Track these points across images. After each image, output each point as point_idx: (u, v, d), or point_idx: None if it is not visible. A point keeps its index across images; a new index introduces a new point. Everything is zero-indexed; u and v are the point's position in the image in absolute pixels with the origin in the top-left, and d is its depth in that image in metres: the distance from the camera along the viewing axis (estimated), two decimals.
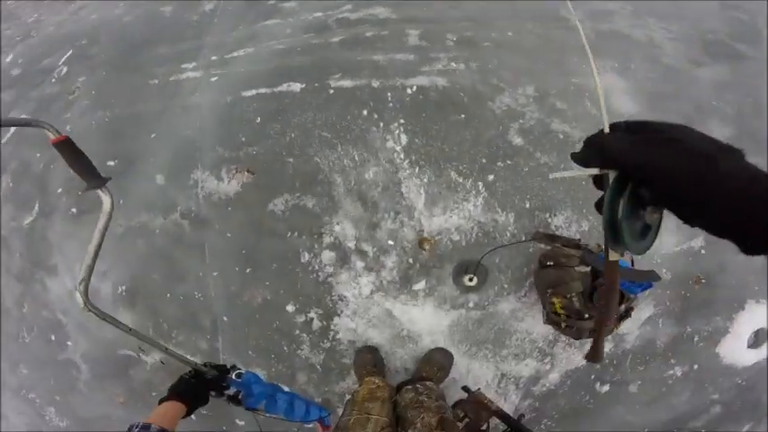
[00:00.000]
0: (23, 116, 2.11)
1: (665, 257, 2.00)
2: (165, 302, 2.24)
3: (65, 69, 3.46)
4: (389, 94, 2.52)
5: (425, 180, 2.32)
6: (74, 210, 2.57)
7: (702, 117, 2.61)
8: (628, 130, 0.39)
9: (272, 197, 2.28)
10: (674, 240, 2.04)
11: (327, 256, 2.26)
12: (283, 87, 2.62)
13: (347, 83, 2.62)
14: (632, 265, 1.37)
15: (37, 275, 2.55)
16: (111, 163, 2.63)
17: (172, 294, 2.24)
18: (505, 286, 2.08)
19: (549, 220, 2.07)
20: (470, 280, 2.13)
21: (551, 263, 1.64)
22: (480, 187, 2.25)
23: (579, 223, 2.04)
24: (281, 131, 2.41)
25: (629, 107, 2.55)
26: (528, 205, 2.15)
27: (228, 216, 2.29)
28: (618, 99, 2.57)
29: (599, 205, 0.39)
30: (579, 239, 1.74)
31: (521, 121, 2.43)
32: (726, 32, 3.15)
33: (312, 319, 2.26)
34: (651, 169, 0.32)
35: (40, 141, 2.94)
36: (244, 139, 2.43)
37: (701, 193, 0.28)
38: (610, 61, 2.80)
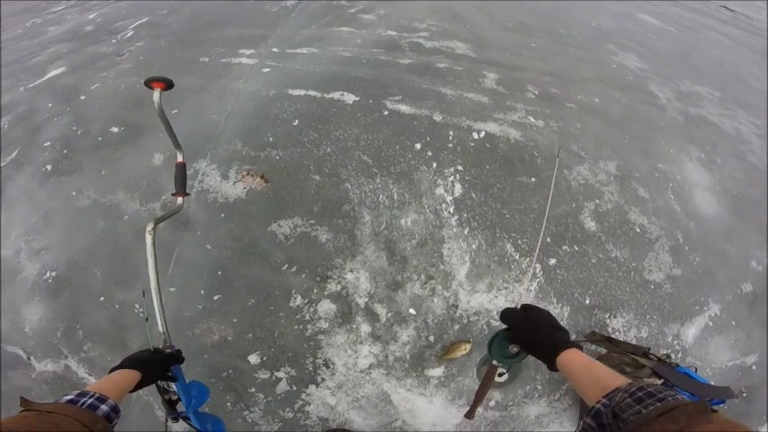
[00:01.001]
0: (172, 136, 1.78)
1: (717, 370, 1.79)
2: (95, 306, 1.77)
3: (130, 33, 3.44)
4: (451, 133, 2.11)
5: (474, 246, 1.83)
6: (48, 167, 2.24)
7: None
8: (522, 307, 0.82)
9: (279, 216, 1.84)
10: (729, 356, 1.83)
11: (326, 307, 1.74)
12: (335, 95, 2.29)
13: (405, 108, 2.25)
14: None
15: None
16: (115, 129, 2.34)
17: (107, 299, 1.77)
18: (539, 387, 1.66)
19: (608, 320, 1.74)
20: (500, 375, 1.65)
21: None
22: (538, 270, 1.80)
23: (639, 329, 1.77)
24: (317, 142, 2.03)
25: (710, 207, 2.19)
26: (588, 301, 1.75)
27: (218, 224, 1.86)
28: (700, 196, 2.22)
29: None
30: (648, 348, 1.47)
31: (597, 201, 2.04)
32: None
33: (280, 379, 1.69)
34: (512, 326, 0.81)
35: (61, 93, 2.76)
36: (271, 139, 2.07)
37: (529, 343, 0.76)
38: (696, 151, 2.49)
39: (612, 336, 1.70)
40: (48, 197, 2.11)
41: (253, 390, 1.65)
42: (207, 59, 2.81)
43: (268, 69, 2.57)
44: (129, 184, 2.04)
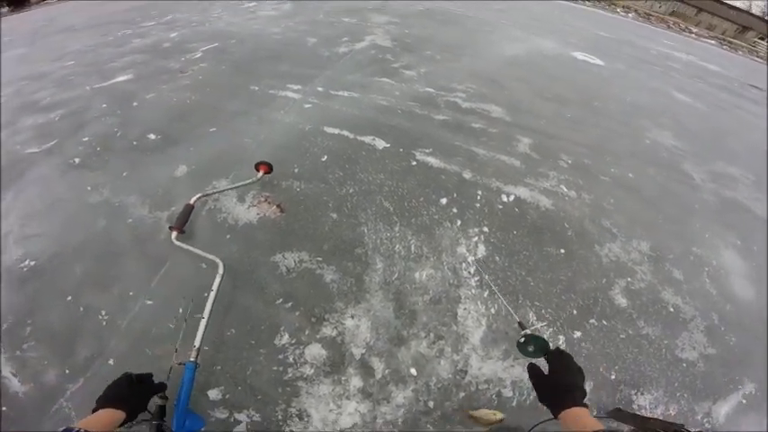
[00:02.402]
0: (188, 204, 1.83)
1: None
2: (59, 304, 1.64)
3: (198, 55, 3.79)
4: (480, 192, 2.04)
5: (493, 310, 1.66)
6: (77, 160, 2.31)
7: None
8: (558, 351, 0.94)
9: (285, 248, 1.76)
10: None
11: (316, 351, 1.55)
12: (367, 138, 2.32)
13: (435, 161, 2.23)
14: None
15: None
16: (152, 136, 2.43)
17: (75, 300, 1.64)
18: None
19: (634, 397, 1.58)
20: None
21: None
22: (561, 342, 1.65)
23: (667, 406, 1.64)
24: (341, 180, 2.01)
25: (748, 293, 2.07)
26: (614, 377, 1.61)
27: (220, 244, 1.79)
28: (737, 282, 2.11)
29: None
30: (682, 424, 1.29)
31: (629, 279, 1.92)
32: None
33: (239, 422, 1.45)
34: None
35: (119, 97, 2.97)
36: (297, 170, 2.07)
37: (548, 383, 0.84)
38: (732, 237, 2.35)
39: (638, 413, 1.54)
40: (62, 187, 2.13)
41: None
42: (256, 88, 3.00)
43: (309, 105, 2.69)
44: (144, 190, 2.05)
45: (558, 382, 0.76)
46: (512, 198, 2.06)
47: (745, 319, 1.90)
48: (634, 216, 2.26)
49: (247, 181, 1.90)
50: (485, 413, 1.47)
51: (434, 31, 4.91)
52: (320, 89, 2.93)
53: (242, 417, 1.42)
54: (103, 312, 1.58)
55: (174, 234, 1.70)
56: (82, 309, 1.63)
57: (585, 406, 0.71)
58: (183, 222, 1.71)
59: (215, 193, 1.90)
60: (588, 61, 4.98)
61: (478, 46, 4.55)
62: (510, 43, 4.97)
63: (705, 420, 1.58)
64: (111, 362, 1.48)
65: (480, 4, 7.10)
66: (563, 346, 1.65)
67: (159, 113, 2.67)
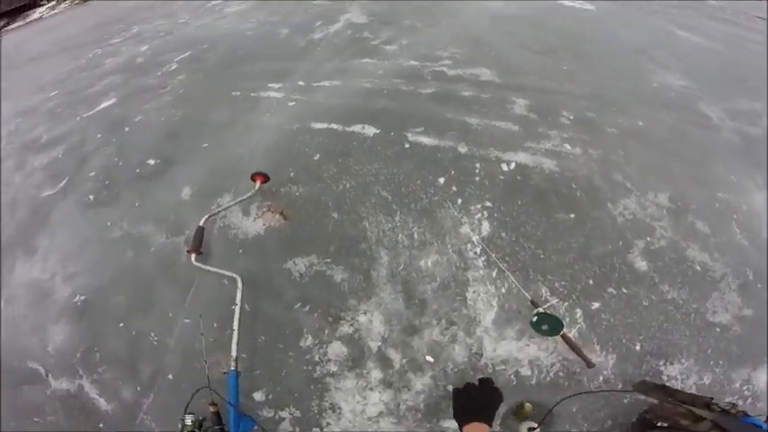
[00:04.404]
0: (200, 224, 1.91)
1: None
2: (114, 331, 1.83)
3: (174, 66, 3.72)
4: (478, 165, 1.99)
5: (503, 290, 1.66)
6: (91, 197, 2.41)
7: None
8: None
9: (295, 254, 1.80)
10: None
11: (337, 349, 1.63)
12: (356, 128, 2.27)
13: (428, 140, 2.17)
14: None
15: (15, 252, 2.34)
16: (151, 161, 2.48)
17: (126, 325, 1.81)
18: None
19: (662, 368, 1.53)
20: (531, 430, 1.43)
21: (664, 424, 1.29)
22: (578, 315, 1.60)
23: (700, 375, 1.56)
24: (336, 177, 1.99)
25: None
26: (639, 347, 1.56)
27: (235, 259, 1.86)
28: None
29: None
30: (711, 398, 1.28)
31: (648, 238, 1.80)
32: None
33: (283, 419, 1.58)
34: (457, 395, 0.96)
35: (110, 124, 3.01)
36: (293, 174, 2.07)
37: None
38: (762, 177, 2.14)
39: (667, 384, 1.48)
40: (86, 226, 2.27)
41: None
42: (238, 93, 2.95)
43: (293, 103, 2.63)
44: (158, 218, 2.13)
45: (469, 402, 0.89)
46: (512, 165, 2.00)
47: None
48: (648, 166, 2.10)
49: (248, 195, 1.94)
50: (525, 410, 1.47)
51: None
52: (301, 83, 2.85)
53: (285, 414, 1.56)
54: (152, 334, 1.75)
55: (193, 257, 1.80)
56: (134, 332, 1.81)
57: (489, 424, 0.83)
58: (198, 244, 1.83)
59: (220, 211, 1.96)
60: (576, 6, 4.60)
61: (458, 4, 4.26)
62: None
63: (744, 388, 1.50)
64: (170, 376, 1.67)
65: None
66: (580, 320, 1.61)
67: (151, 136, 2.70)
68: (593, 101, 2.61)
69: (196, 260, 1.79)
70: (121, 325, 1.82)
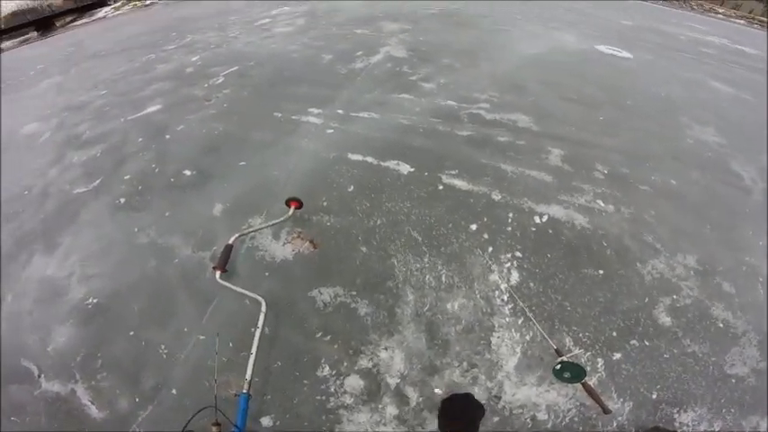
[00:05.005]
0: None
1: None
2: (122, 338, 1.80)
3: (221, 80, 3.92)
4: (511, 215, 1.99)
5: (527, 337, 1.65)
6: (122, 200, 2.46)
7: None
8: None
9: (321, 283, 1.81)
10: None
11: (354, 382, 1.61)
12: (391, 164, 2.32)
13: (462, 183, 2.19)
14: None
15: (34, 246, 2.33)
16: (188, 172, 2.55)
17: (136, 334, 1.79)
18: None
19: (676, 415, 1.55)
20: None
21: None
22: (599, 365, 1.62)
23: (711, 423, 1.60)
24: (369, 212, 2.02)
25: None
26: (655, 396, 1.59)
27: (260, 282, 1.87)
28: None
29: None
30: None
31: (674, 296, 1.84)
32: None
33: None
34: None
35: (152, 130, 3.12)
36: (326, 203, 2.11)
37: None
38: None
39: (679, 431, 1.53)
40: (113, 229, 2.29)
41: None
42: (279, 114, 3.07)
43: (331, 131, 2.72)
44: (186, 230, 2.16)
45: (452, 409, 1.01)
46: (545, 218, 1.99)
47: None
48: (678, 227, 2.13)
49: (281, 219, 1.97)
50: None
51: (449, 36, 4.81)
52: (340, 111, 2.96)
53: None
54: (163, 346, 1.73)
55: (218, 274, 1.81)
56: (143, 343, 1.79)
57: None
58: (224, 262, 1.83)
59: (251, 231, 1.98)
60: (615, 54, 4.68)
61: (497, 47, 4.40)
62: (530, 41, 4.77)
63: None
64: (174, 391, 1.63)
65: (494, 3, 6.87)
66: (601, 369, 1.63)
67: (191, 147, 2.80)
68: (627, 155, 2.62)
69: (221, 278, 1.81)
70: (131, 333, 1.81)
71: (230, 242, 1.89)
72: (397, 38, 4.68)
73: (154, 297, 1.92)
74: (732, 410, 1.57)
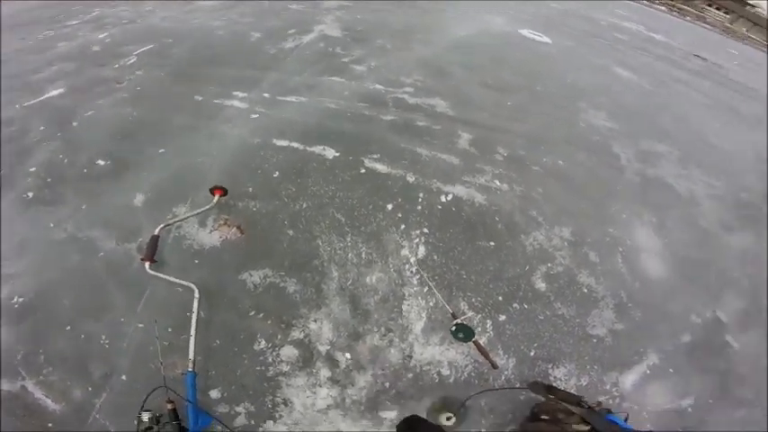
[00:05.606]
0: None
1: (653, 414, 1.88)
2: (60, 333, 1.82)
3: (133, 60, 3.53)
4: (421, 194, 2.28)
5: (431, 304, 1.96)
6: (30, 194, 2.29)
7: (721, 288, 2.41)
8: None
9: (250, 266, 1.95)
10: (666, 400, 1.94)
11: (289, 352, 1.84)
12: (317, 148, 2.44)
13: (382, 167, 2.41)
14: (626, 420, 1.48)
15: None
16: (102, 162, 2.40)
17: (73, 328, 1.81)
18: (483, 431, 1.77)
19: (550, 371, 1.87)
20: (448, 419, 1.78)
21: (546, 416, 1.58)
22: (488, 325, 1.94)
23: (579, 378, 1.91)
24: (294, 196, 2.16)
25: (657, 269, 2.37)
26: (533, 353, 1.91)
27: (191, 269, 1.95)
28: (649, 260, 2.39)
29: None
30: (582, 397, 1.60)
31: (549, 264, 2.20)
32: (758, 191, 3.20)
33: (239, 414, 1.76)
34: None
35: (55, 116, 2.81)
36: (251, 189, 2.19)
37: None
38: (648, 214, 2.68)
39: (554, 384, 1.82)
40: (26, 226, 2.15)
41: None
42: (201, 98, 2.93)
43: (257, 116, 2.71)
44: (107, 222, 2.10)
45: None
46: (450, 197, 2.32)
47: (651, 296, 2.15)
48: (560, 204, 2.49)
49: (205, 207, 2.01)
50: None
51: (388, 15, 4.81)
52: (266, 95, 2.93)
53: (240, 409, 1.72)
54: (103, 337, 1.78)
55: (148, 264, 1.84)
56: (83, 336, 1.82)
57: None
58: (152, 252, 1.86)
59: (177, 221, 2.00)
60: (535, 39, 5.12)
61: (430, 28, 4.55)
62: (461, 23, 4.99)
63: (613, 389, 1.86)
64: (123, 377, 1.73)
65: None
66: (490, 330, 1.96)
67: (102, 134, 2.60)
68: (527, 139, 3.03)
69: (150, 268, 1.84)
70: (68, 328, 1.82)
71: (156, 233, 1.91)
72: (334, 15, 4.56)
73: (84, 291, 1.91)
74: (595, 367, 1.86)
